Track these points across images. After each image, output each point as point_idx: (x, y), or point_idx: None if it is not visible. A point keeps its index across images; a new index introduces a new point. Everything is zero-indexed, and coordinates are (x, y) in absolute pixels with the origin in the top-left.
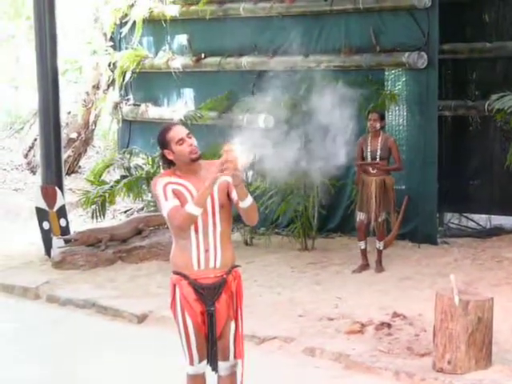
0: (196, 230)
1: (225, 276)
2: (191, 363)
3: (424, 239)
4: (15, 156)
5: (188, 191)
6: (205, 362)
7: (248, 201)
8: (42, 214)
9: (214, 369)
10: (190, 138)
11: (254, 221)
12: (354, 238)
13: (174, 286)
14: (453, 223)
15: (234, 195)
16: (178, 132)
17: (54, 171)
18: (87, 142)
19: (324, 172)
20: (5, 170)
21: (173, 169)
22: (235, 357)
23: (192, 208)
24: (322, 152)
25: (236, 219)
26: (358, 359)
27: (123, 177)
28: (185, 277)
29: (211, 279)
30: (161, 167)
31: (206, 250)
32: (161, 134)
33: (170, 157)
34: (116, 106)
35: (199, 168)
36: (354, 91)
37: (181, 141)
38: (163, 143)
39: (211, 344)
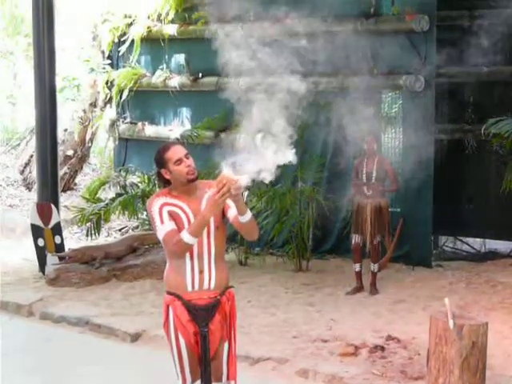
0: (191, 252)
1: (218, 297)
2: (184, 383)
3: (418, 262)
4: (11, 172)
5: (184, 213)
6: (198, 382)
7: (248, 215)
8: (36, 231)
9: None
10: (188, 158)
11: (254, 235)
12: (348, 259)
13: (168, 306)
14: (447, 246)
15: (230, 214)
16: (177, 152)
17: (50, 188)
18: (83, 159)
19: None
20: (0, 185)
21: (168, 188)
22: (228, 378)
23: (188, 238)
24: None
25: (231, 239)
26: (352, 382)
27: (119, 195)
28: (178, 297)
29: (205, 300)
30: (156, 186)
31: (201, 272)
32: (159, 152)
33: (167, 176)
34: (113, 124)
35: (195, 188)
36: (352, 112)
37: (179, 161)
38: (161, 162)
39: (205, 365)
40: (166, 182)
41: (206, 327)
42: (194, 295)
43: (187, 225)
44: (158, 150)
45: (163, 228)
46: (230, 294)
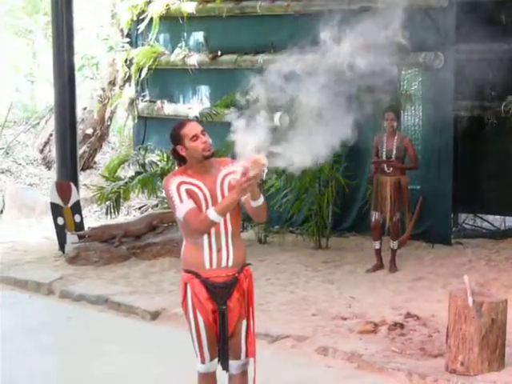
0: (208, 231)
1: (236, 275)
2: (202, 361)
3: (438, 239)
4: (30, 151)
5: (201, 191)
6: (216, 360)
7: (260, 201)
8: (56, 210)
9: (225, 368)
10: (204, 135)
11: (263, 219)
12: (368, 237)
13: (186, 284)
14: (467, 224)
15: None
16: (193, 128)
17: (70, 167)
18: (102, 137)
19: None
20: (20, 164)
21: (184, 167)
22: (247, 355)
23: (215, 216)
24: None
25: (249, 218)
26: (371, 359)
27: (138, 173)
28: (196, 275)
29: (223, 278)
30: (175, 164)
31: (219, 250)
32: (175, 129)
33: (183, 153)
34: (132, 103)
35: (210, 166)
36: (371, 90)
37: (195, 137)
38: (177, 139)
39: (222, 343)
40: (181, 160)
41: (224, 305)
42: (212, 273)
43: (204, 203)
44: (174, 127)
45: (184, 206)
46: (247, 272)
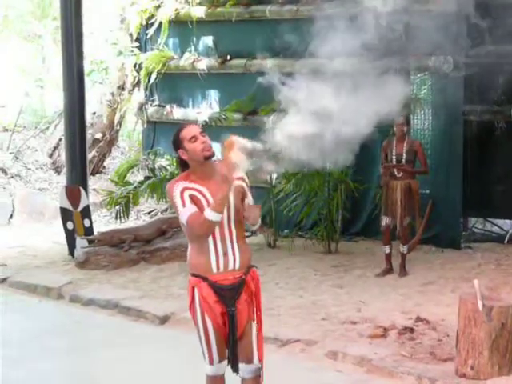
0: (213, 235)
1: (243, 276)
2: (211, 363)
3: (448, 244)
4: (40, 156)
5: (204, 197)
6: (225, 362)
7: (258, 225)
8: (66, 214)
9: (235, 370)
10: (203, 136)
11: (255, 222)
12: (377, 241)
13: (193, 287)
14: (477, 228)
15: (246, 202)
16: (191, 130)
17: (79, 171)
18: (112, 142)
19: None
20: (30, 169)
21: (187, 172)
22: (260, 359)
23: (212, 215)
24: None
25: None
26: (381, 363)
27: (147, 178)
28: (204, 279)
29: (230, 280)
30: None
31: (225, 254)
32: (175, 134)
33: (184, 156)
34: (141, 107)
35: (213, 171)
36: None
37: (193, 138)
38: (177, 143)
39: (232, 345)
40: (184, 166)
41: (233, 306)
42: (220, 276)
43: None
44: (174, 133)
45: (186, 210)
46: (254, 274)
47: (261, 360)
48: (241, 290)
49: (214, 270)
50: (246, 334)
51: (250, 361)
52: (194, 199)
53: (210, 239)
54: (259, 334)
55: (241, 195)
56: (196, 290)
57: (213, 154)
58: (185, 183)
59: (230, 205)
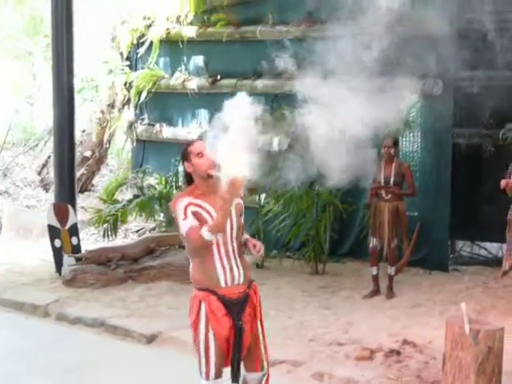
0: (218, 250)
1: (247, 291)
2: (207, 378)
3: (435, 266)
4: (29, 173)
5: (207, 212)
6: (220, 379)
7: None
8: (53, 232)
9: (236, 381)
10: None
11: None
12: (365, 262)
13: (200, 301)
14: (464, 251)
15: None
16: (199, 146)
17: (67, 189)
18: (101, 160)
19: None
20: (18, 186)
21: (192, 187)
22: (263, 369)
23: (206, 234)
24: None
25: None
26: None
27: (136, 196)
28: (213, 292)
29: (236, 295)
30: (173, 188)
31: (231, 269)
32: (184, 147)
33: (189, 170)
34: (130, 126)
35: (216, 187)
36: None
37: (200, 154)
38: (184, 155)
39: (238, 357)
40: (189, 178)
41: (240, 320)
42: (228, 290)
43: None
44: (184, 146)
45: (185, 223)
46: (255, 288)
47: (268, 370)
48: (246, 303)
49: (223, 284)
50: (256, 345)
51: (259, 369)
52: (197, 215)
53: (216, 255)
54: (265, 345)
55: (240, 213)
56: (204, 304)
57: (215, 175)
58: (189, 198)
59: (233, 223)
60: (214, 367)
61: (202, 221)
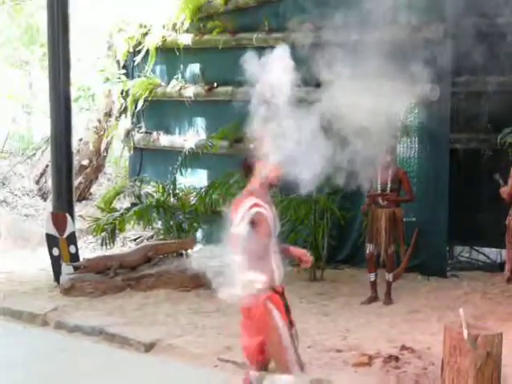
0: (273, 251)
1: (283, 286)
2: (301, 369)
3: (433, 272)
4: (26, 182)
5: (270, 214)
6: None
7: None
8: (51, 241)
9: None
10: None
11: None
12: (363, 269)
13: (265, 301)
14: (463, 256)
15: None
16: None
17: (65, 198)
18: (98, 169)
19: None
20: (16, 195)
21: (249, 190)
22: None
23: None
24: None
25: None
26: None
27: (134, 204)
28: (273, 290)
29: (281, 290)
30: (171, 196)
31: (279, 267)
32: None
33: (260, 167)
34: (128, 134)
35: (267, 196)
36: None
37: (278, 165)
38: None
39: (297, 352)
40: (248, 172)
41: (290, 314)
42: (279, 287)
43: (272, 226)
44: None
45: (240, 229)
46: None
47: None
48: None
49: (277, 281)
50: None
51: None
52: (261, 215)
53: (272, 255)
54: None
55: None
56: (269, 303)
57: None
58: (255, 199)
59: (277, 226)
60: (295, 362)
61: (264, 222)
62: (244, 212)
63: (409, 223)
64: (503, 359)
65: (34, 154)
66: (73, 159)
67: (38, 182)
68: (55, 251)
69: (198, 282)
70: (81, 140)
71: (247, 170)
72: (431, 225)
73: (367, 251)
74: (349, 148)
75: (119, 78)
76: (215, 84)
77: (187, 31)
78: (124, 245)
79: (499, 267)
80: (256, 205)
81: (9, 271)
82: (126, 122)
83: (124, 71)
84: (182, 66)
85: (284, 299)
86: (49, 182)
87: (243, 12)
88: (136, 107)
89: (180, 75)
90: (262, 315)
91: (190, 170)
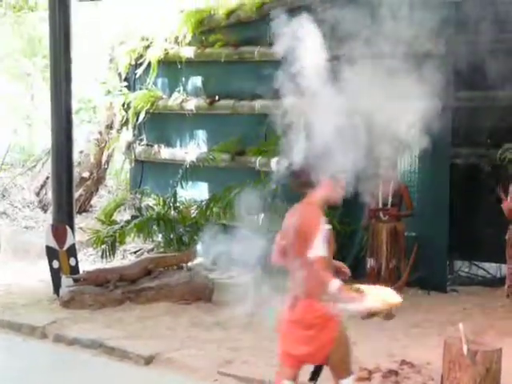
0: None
1: None
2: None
3: (434, 287)
4: (27, 194)
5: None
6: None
7: None
8: (51, 253)
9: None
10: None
11: None
12: (363, 283)
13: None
14: (463, 271)
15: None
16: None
17: (66, 210)
18: (99, 181)
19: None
20: (16, 207)
21: (318, 207)
22: None
23: (333, 291)
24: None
25: None
26: None
27: (134, 217)
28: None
29: None
30: (171, 209)
31: None
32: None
33: (327, 185)
34: (129, 146)
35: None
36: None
37: (342, 185)
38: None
39: None
40: (305, 188)
41: None
42: None
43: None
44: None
45: (319, 250)
46: None
47: None
48: None
49: None
50: None
51: None
52: (330, 233)
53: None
54: None
55: None
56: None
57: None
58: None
59: (332, 246)
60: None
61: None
62: (320, 230)
63: (409, 238)
64: (502, 375)
65: (35, 166)
66: (73, 171)
67: (38, 194)
68: (55, 264)
69: (198, 295)
70: (82, 152)
71: (303, 182)
72: (431, 240)
73: (368, 266)
74: (349, 162)
75: (121, 91)
76: (217, 97)
77: (189, 44)
78: (124, 257)
79: (499, 282)
80: (324, 223)
81: (8, 283)
82: (127, 135)
83: (126, 84)
84: (183, 79)
85: None
86: (49, 194)
87: (245, 26)
88: (137, 120)
89: (182, 88)
90: (335, 325)
91: (190, 182)
